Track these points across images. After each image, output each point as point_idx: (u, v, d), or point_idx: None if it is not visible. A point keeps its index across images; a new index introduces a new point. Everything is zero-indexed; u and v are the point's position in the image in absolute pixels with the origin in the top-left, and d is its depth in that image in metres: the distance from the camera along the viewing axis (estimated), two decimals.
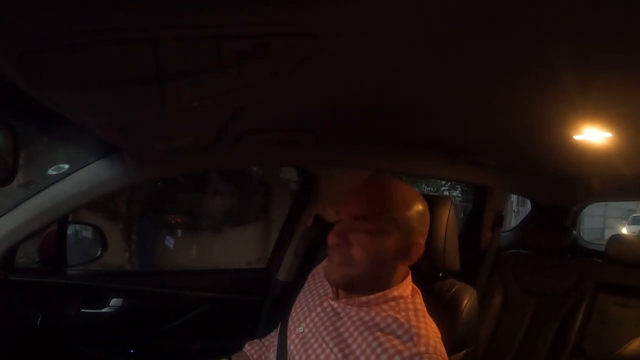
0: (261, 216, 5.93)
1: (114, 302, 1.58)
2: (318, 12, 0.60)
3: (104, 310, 1.57)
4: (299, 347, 0.88)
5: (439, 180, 6.65)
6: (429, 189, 7.12)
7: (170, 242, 5.60)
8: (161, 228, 5.72)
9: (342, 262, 0.84)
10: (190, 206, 5.91)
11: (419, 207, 0.88)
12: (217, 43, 0.64)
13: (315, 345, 0.85)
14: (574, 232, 2.47)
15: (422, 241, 0.88)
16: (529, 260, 2.20)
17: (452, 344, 0.93)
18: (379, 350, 0.77)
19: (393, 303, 0.85)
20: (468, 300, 1.02)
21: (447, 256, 1.04)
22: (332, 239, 0.85)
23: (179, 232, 5.78)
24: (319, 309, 0.90)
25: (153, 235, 5.64)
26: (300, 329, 0.90)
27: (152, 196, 5.68)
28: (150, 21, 0.57)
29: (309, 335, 0.87)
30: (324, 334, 0.85)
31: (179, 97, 0.82)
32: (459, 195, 7.64)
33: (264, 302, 1.70)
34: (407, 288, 0.89)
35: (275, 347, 0.94)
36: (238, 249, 5.33)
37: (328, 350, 0.82)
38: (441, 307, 0.97)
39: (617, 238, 2.11)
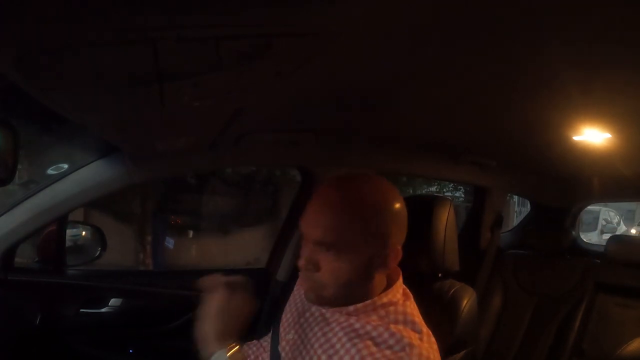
0: (271, 216, 5.93)
1: (113, 302, 1.58)
2: (318, 12, 0.60)
3: (104, 310, 1.57)
4: (289, 353, 0.85)
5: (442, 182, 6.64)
6: (432, 189, 7.12)
7: (170, 242, 5.62)
8: (172, 229, 5.77)
9: (313, 286, 0.80)
10: (200, 207, 5.93)
11: (390, 208, 0.79)
12: (218, 43, 0.64)
13: (304, 353, 0.82)
14: (574, 232, 2.48)
15: (399, 245, 0.80)
16: (529, 261, 2.20)
17: (452, 344, 0.93)
18: (369, 359, 0.73)
19: (383, 312, 0.80)
20: (467, 301, 1.02)
21: (446, 256, 1.04)
22: (300, 263, 0.80)
23: (190, 232, 5.82)
24: (307, 315, 0.87)
25: (165, 236, 5.69)
26: (290, 336, 0.87)
27: (164, 197, 5.73)
28: (150, 21, 0.57)
29: (299, 342, 0.85)
30: (312, 340, 0.82)
31: (179, 97, 0.82)
32: (462, 195, 7.63)
33: (264, 303, 1.70)
34: (397, 293, 0.83)
35: (269, 353, 0.93)
36: (249, 248, 5.31)
37: (315, 357, 0.79)
38: (440, 307, 0.97)
39: (617, 239, 2.11)
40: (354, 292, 0.80)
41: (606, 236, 7.13)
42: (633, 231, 8.64)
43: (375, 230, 0.77)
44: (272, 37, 0.65)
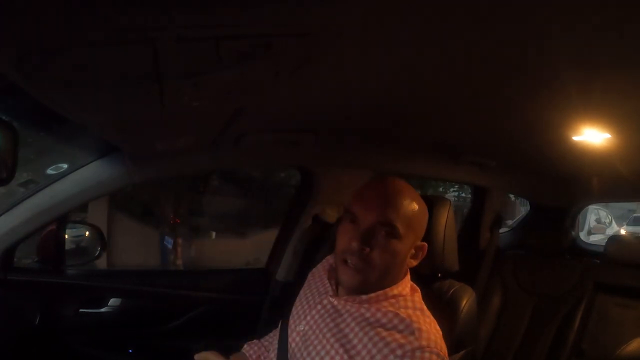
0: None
1: (113, 302, 1.58)
2: (318, 12, 0.60)
3: (103, 310, 1.57)
4: (300, 344, 0.88)
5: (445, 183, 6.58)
6: (438, 190, 7.07)
7: (169, 242, 5.65)
8: (198, 231, 5.88)
9: (362, 268, 0.83)
10: (221, 209, 5.97)
11: (424, 208, 0.91)
12: (218, 43, 0.64)
13: (316, 342, 0.85)
14: (573, 232, 2.48)
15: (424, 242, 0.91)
16: (528, 261, 2.20)
17: (451, 344, 0.93)
18: (380, 345, 0.78)
19: (393, 300, 0.86)
20: (467, 301, 1.02)
21: (446, 256, 1.04)
22: (354, 244, 0.83)
23: (213, 234, 5.97)
24: (319, 307, 0.91)
25: (192, 238, 5.80)
26: (301, 327, 0.91)
27: (192, 200, 5.83)
28: (150, 21, 0.57)
29: (310, 332, 0.88)
30: (324, 330, 0.86)
31: (179, 97, 0.82)
32: (468, 196, 7.56)
33: (264, 302, 1.70)
34: (406, 286, 0.90)
35: (276, 347, 0.94)
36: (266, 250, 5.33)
37: (329, 346, 0.83)
38: (440, 307, 0.97)
39: (617, 239, 2.11)
40: (387, 277, 0.86)
41: (594, 237, 6.92)
42: (622, 231, 8.42)
43: (417, 223, 0.88)
44: (272, 37, 0.65)
